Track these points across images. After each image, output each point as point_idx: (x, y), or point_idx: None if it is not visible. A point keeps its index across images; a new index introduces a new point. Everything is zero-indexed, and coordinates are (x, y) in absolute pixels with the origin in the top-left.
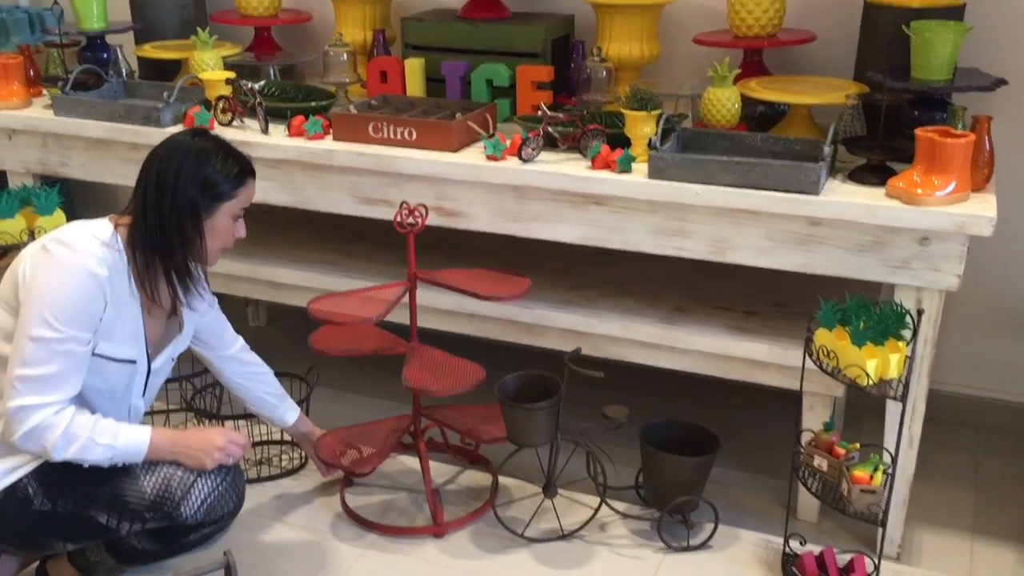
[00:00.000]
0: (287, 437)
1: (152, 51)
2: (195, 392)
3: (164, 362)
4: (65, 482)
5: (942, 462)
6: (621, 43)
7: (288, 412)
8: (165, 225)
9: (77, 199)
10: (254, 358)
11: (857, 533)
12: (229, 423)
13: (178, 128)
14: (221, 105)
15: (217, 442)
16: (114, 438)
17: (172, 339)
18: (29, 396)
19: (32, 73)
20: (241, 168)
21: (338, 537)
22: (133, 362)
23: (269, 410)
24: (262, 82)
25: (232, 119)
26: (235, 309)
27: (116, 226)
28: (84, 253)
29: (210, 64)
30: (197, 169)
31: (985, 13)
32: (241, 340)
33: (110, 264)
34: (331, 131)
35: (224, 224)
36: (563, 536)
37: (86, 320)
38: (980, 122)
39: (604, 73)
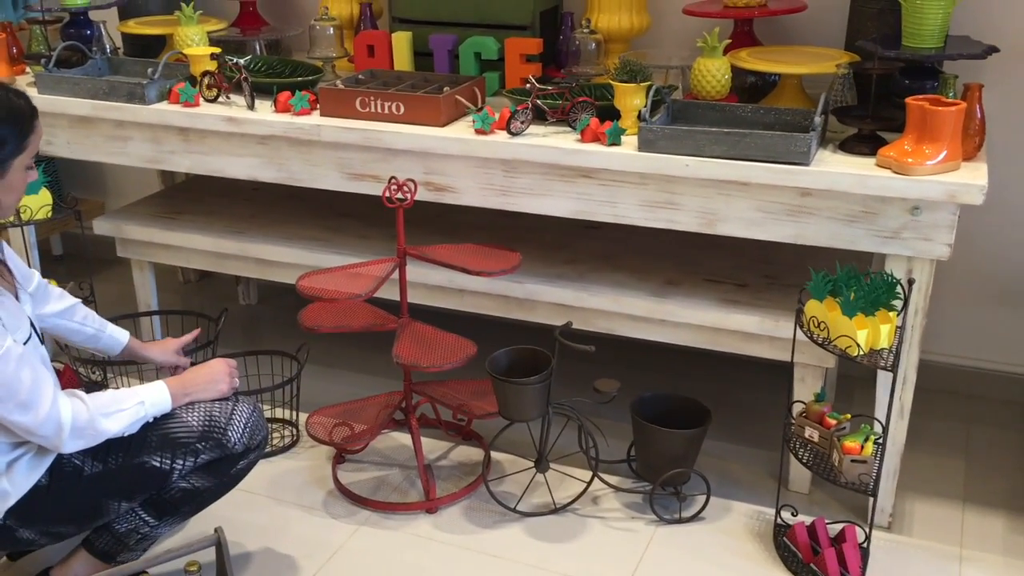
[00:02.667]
0: (278, 415)
1: (136, 27)
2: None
3: (38, 322)
4: (111, 440)
5: (933, 432)
6: (611, 14)
7: (117, 335)
8: None
9: (64, 178)
10: (57, 290)
11: (848, 503)
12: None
13: (163, 105)
14: (207, 81)
15: (221, 368)
16: (137, 395)
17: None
18: (36, 411)
19: (15, 51)
20: (24, 114)
21: (331, 514)
22: (31, 336)
23: (94, 341)
24: (248, 57)
25: (218, 95)
26: (225, 287)
27: None
28: None
29: (195, 39)
30: None
31: None
32: (38, 274)
33: None
34: (318, 106)
35: (19, 177)
36: (555, 510)
37: None
38: (971, 90)
39: (593, 45)
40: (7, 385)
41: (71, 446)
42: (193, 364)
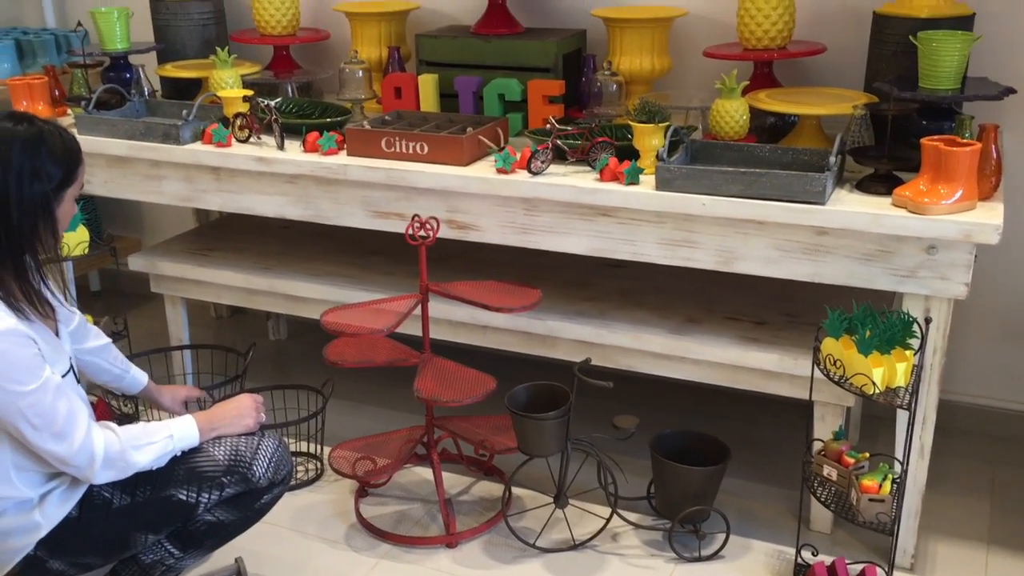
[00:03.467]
0: (303, 448)
1: (173, 70)
2: (214, 404)
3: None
4: (139, 473)
5: (957, 472)
6: (632, 57)
7: (139, 376)
8: (15, 233)
9: (104, 216)
10: (94, 328)
11: (871, 544)
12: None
13: (196, 146)
14: (239, 122)
15: (247, 403)
16: (167, 428)
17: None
18: (71, 441)
19: (57, 93)
20: (75, 149)
21: (352, 547)
22: (69, 372)
23: (118, 380)
24: (278, 99)
25: (249, 135)
26: (256, 323)
27: None
28: None
29: (229, 82)
30: (35, 161)
31: (995, 22)
32: (78, 312)
33: (4, 309)
34: (345, 146)
35: (69, 208)
36: (575, 546)
37: (39, 362)
38: (987, 131)
39: (614, 86)
40: (43, 415)
41: (102, 477)
42: (221, 399)
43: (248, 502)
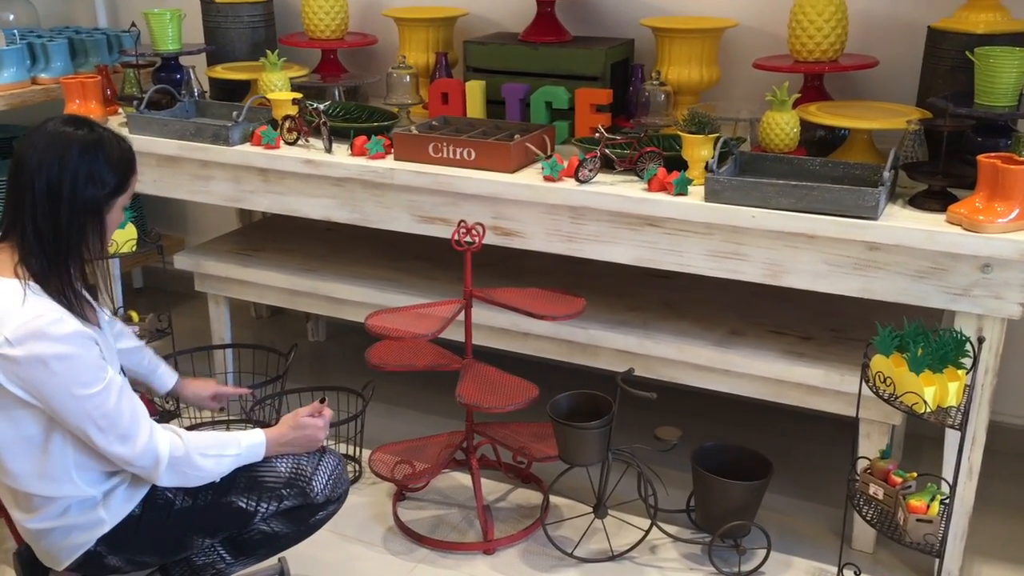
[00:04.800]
0: (343, 450)
1: (223, 72)
2: (255, 403)
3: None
4: None
5: (1004, 494)
6: (680, 67)
7: (166, 376)
8: (64, 235)
9: (148, 214)
10: (127, 328)
11: (914, 565)
12: None
13: (245, 147)
14: (287, 124)
15: (319, 436)
16: (237, 444)
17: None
18: (135, 442)
19: (109, 92)
20: (131, 159)
21: (390, 551)
22: (121, 370)
23: (146, 378)
24: (327, 103)
25: (298, 138)
26: (295, 324)
27: (15, 275)
28: (44, 326)
29: (278, 85)
30: (92, 166)
31: None
32: (110, 314)
33: (62, 311)
34: (392, 151)
35: (117, 216)
36: (612, 557)
37: (103, 363)
38: None
39: (662, 96)
40: (108, 416)
41: (167, 480)
42: (262, 399)
43: (303, 516)
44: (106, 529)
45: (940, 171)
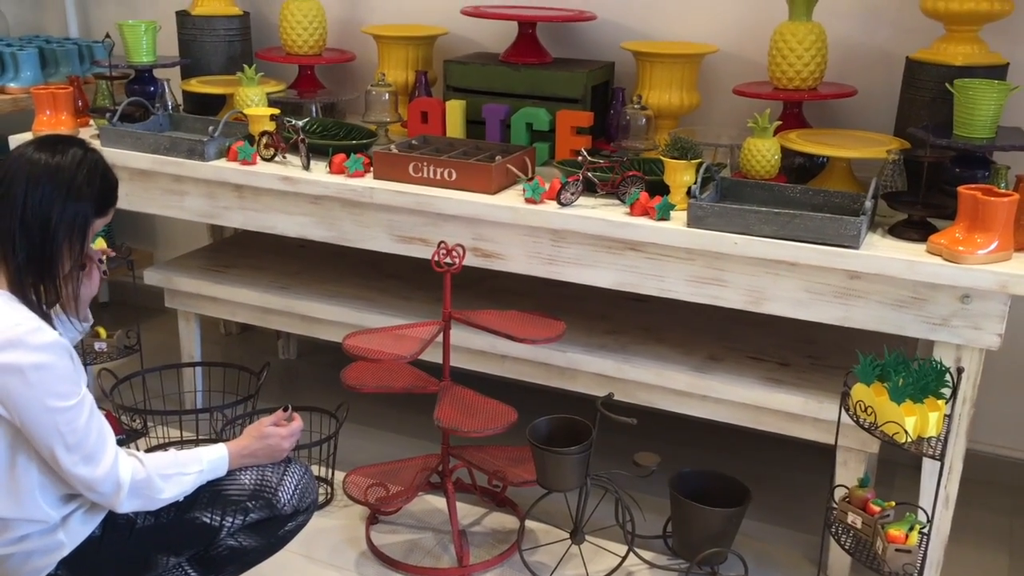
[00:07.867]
0: (315, 472)
1: (198, 85)
2: (225, 423)
3: None
4: None
5: (977, 523)
6: (661, 91)
7: None
8: (49, 243)
9: (115, 227)
10: None
11: None
12: None
13: (221, 163)
14: (264, 140)
15: (285, 447)
16: (199, 461)
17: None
18: (98, 465)
19: (81, 104)
20: (115, 187)
21: (362, 575)
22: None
23: None
24: (305, 119)
25: (275, 154)
26: (266, 341)
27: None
28: (22, 335)
29: (255, 100)
30: (89, 178)
31: None
32: None
33: (40, 321)
34: (372, 169)
35: (93, 233)
36: None
37: (77, 376)
38: (1023, 181)
39: (643, 120)
40: (77, 433)
41: (128, 505)
42: (234, 419)
43: (272, 529)
44: (65, 552)
45: (920, 201)
